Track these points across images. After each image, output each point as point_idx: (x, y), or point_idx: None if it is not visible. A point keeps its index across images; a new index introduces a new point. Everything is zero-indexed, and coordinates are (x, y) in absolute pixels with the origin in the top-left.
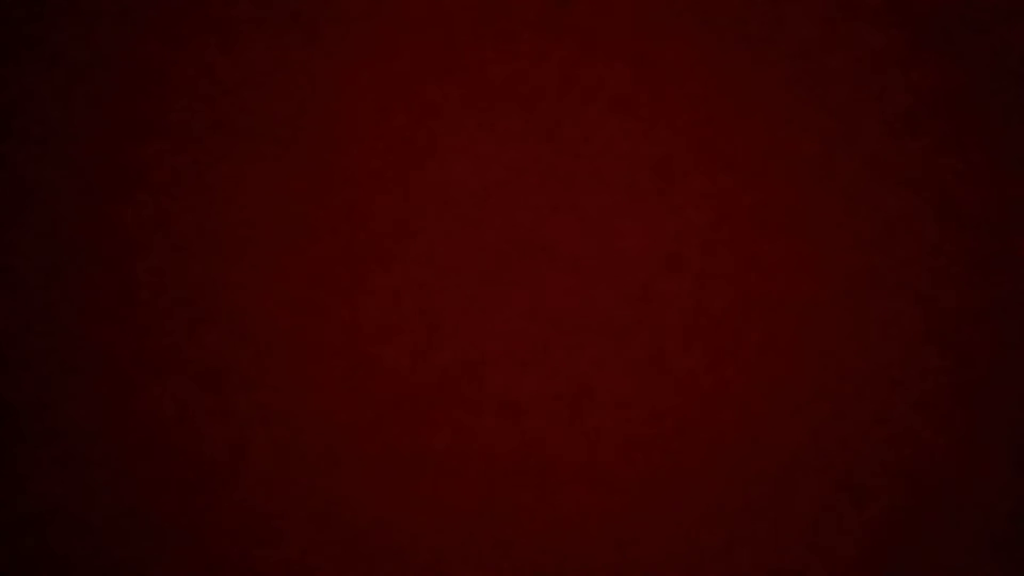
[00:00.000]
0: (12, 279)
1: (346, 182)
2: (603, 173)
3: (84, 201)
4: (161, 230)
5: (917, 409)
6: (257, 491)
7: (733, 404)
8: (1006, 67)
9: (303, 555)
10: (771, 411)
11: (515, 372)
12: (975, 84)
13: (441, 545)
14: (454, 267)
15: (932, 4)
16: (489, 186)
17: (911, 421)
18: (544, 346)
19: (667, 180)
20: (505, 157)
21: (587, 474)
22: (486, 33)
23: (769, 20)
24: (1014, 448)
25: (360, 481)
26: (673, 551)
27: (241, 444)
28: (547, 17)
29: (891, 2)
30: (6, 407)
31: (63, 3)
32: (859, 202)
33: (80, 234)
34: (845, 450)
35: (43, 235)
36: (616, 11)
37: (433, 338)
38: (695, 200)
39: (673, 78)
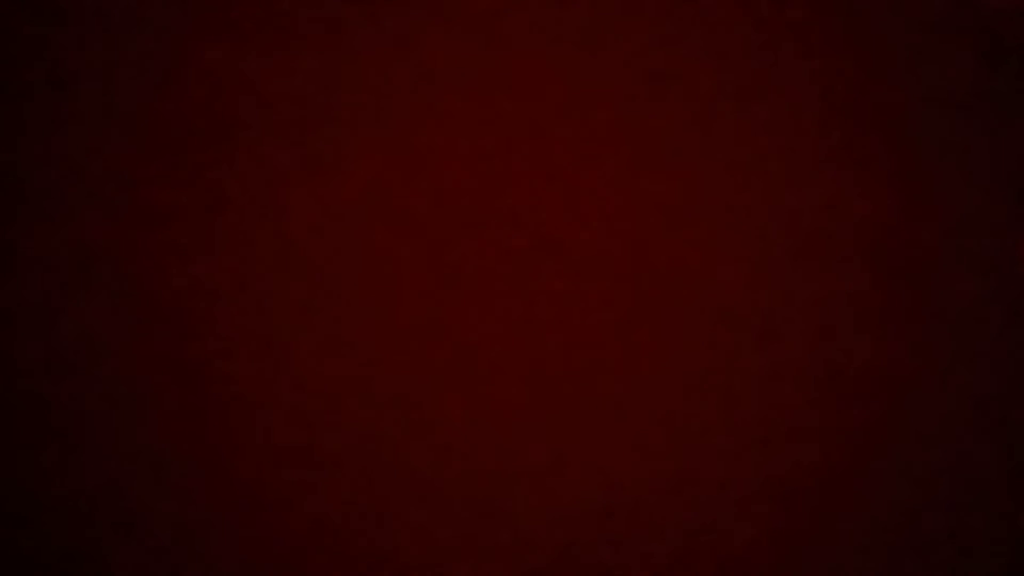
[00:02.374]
0: (38, 274)
1: (357, 182)
2: (599, 168)
3: (106, 206)
4: (177, 226)
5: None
6: (255, 489)
7: (729, 402)
8: (947, 93)
9: (302, 552)
10: (765, 414)
11: (512, 370)
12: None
13: (440, 543)
14: (452, 266)
15: (881, 29)
16: (488, 186)
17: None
18: (539, 343)
19: (672, 180)
20: (502, 151)
21: (583, 470)
22: (487, 35)
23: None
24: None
25: (360, 481)
26: (661, 537)
27: (239, 442)
28: (546, 21)
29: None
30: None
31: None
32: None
33: (108, 236)
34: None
35: (72, 233)
36: (620, 20)
37: (430, 337)
38: (695, 199)
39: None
